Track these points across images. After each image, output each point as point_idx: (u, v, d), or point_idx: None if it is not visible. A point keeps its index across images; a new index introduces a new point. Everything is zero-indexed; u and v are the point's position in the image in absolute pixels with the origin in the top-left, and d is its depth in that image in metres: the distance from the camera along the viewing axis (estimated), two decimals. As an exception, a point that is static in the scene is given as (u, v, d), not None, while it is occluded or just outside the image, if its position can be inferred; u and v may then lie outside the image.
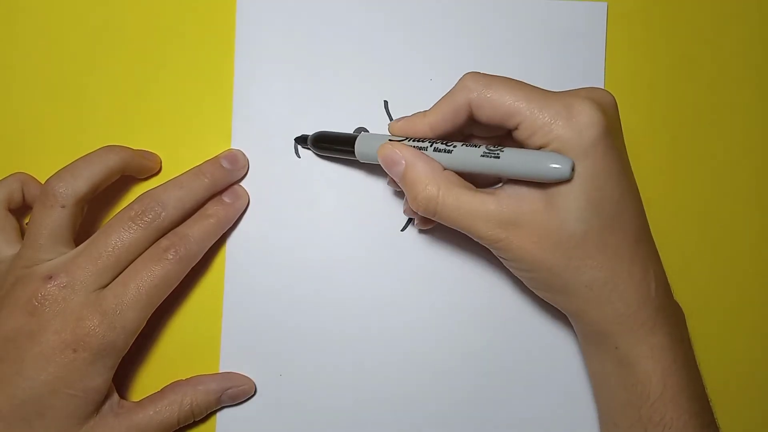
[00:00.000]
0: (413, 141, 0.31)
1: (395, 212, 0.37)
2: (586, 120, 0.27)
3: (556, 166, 0.27)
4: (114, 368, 0.32)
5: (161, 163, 0.37)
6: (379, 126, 0.37)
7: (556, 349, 0.36)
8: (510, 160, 0.28)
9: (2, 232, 0.33)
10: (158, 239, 0.33)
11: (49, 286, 0.30)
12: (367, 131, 0.37)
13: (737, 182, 0.38)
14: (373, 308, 0.36)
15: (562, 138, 0.27)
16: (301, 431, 0.35)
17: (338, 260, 0.36)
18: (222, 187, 0.36)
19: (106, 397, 0.32)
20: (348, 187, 0.37)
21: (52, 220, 0.32)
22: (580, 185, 0.27)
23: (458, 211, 0.29)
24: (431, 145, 0.30)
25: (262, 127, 0.37)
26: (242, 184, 0.36)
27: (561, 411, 0.36)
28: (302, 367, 0.36)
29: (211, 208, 0.35)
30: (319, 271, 0.36)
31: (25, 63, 0.37)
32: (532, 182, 0.28)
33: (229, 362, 0.36)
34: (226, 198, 0.35)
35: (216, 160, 0.36)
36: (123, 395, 0.35)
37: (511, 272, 0.32)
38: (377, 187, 0.37)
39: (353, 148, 0.33)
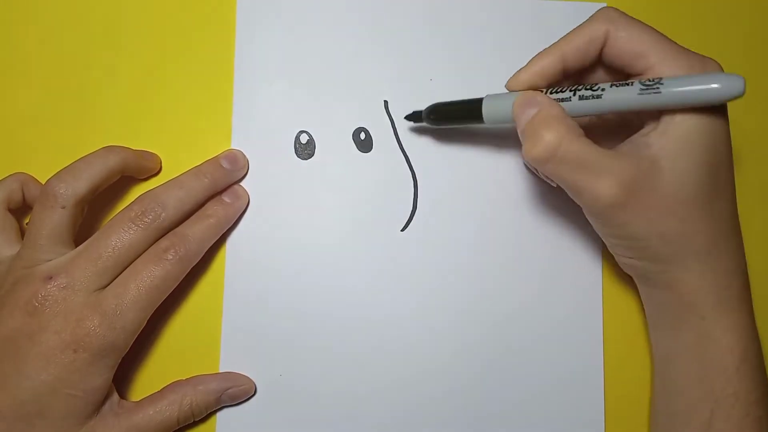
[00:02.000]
0: (553, 92, 0.29)
1: (395, 212, 0.37)
2: None
3: (729, 83, 0.25)
4: (114, 368, 0.32)
5: (161, 163, 0.37)
6: (379, 126, 0.37)
7: (554, 347, 0.36)
8: (675, 90, 0.26)
9: (2, 233, 0.33)
10: (158, 239, 0.33)
11: (49, 286, 0.30)
12: (367, 131, 0.37)
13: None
14: (373, 308, 0.36)
15: None
16: (301, 431, 0.35)
17: (338, 260, 0.36)
18: (222, 187, 0.36)
19: (106, 397, 0.32)
20: (348, 187, 0.37)
21: (52, 220, 0.32)
22: (702, 145, 0.27)
23: (581, 160, 0.28)
24: (574, 94, 0.29)
25: (262, 127, 0.37)
26: (242, 184, 0.36)
27: (558, 405, 0.36)
28: (302, 367, 0.36)
29: (211, 208, 0.35)
30: (319, 271, 0.36)
31: (25, 63, 0.37)
32: (651, 141, 0.27)
33: (229, 362, 0.36)
34: (226, 198, 0.35)
35: (216, 160, 0.36)
36: (123, 395, 0.35)
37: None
38: (377, 187, 0.37)
39: (479, 112, 0.32)
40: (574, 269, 0.37)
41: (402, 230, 0.37)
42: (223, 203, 0.35)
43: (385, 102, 0.37)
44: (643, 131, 0.29)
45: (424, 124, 0.36)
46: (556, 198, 0.37)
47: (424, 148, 0.37)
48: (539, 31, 0.37)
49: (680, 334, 0.31)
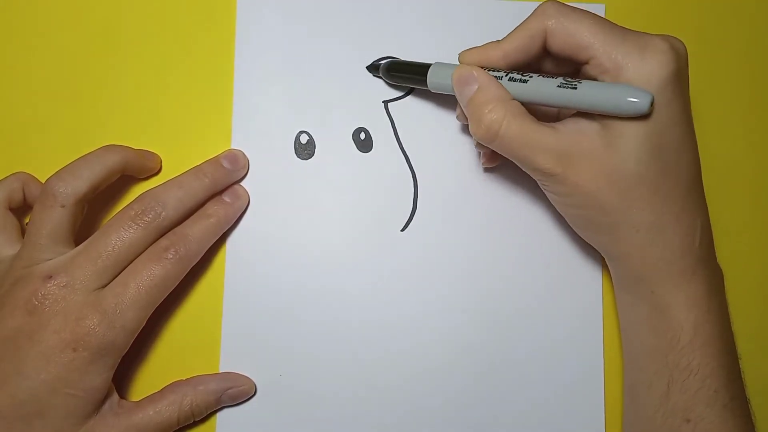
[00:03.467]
0: (488, 71, 0.31)
1: (395, 212, 0.37)
2: (657, 62, 0.27)
3: (634, 100, 0.27)
4: (114, 368, 0.32)
5: (161, 163, 0.37)
6: (379, 126, 0.37)
7: (554, 348, 0.36)
8: (587, 92, 0.28)
9: (3, 232, 0.33)
10: (158, 239, 0.33)
11: (49, 285, 0.30)
12: (367, 131, 0.37)
13: (736, 182, 0.38)
14: (373, 308, 0.36)
15: (632, 79, 0.27)
16: (301, 431, 0.35)
17: (338, 260, 0.36)
18: (222, 186, 0.36)
19: (106, 396, 0.32)
20: (348, 187, 0.37)
21: (52, 219, 0.32)
22: (644, 128, 0.28)
23: (520, 140, 0.29)
24: (506, 75, 0.30)
25: (262, 127, 0.37)
26: (242, 184, 0.36)
27: (558, 407, 0.36)
28: (302, 367, 0.36)
29: (211, 207, 0.35)
30: (319, 271, 0.36)
31: (26, 63, 0.37)
32: (593, 118, 0.29)
33: (229, 362, 0.36)
34: (226, 198, 0.35)
35: (216, 160, 0.36)
36: (123, 395, 0.35)
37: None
38: (377, 187, 0.37)
39: (425, 77, 0.34)
40: (574, 270, 0.37)
41: (402, 230, 0.37)
42: (223, 203, 0.35)
43: (385, 102, 0.37)
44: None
45: (380, 77, 0.37)
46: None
47: (424, 148, 0.37)
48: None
49: (635, 307, 0.32)
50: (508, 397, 0.36)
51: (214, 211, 0.35)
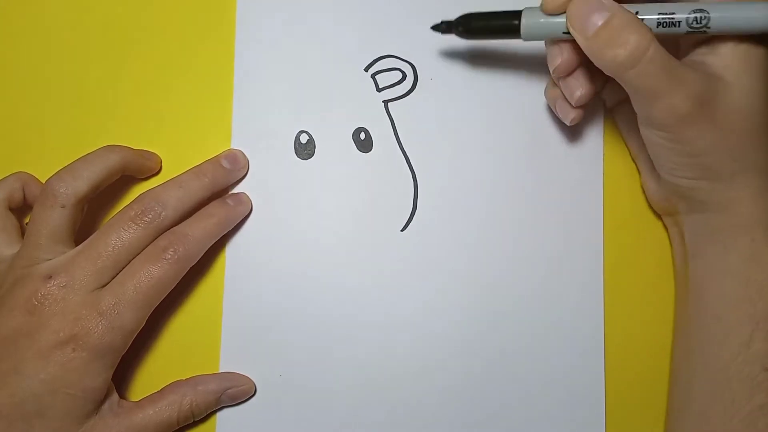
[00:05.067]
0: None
1: (395, 212, 0.37)
2: None
3: None
4: (113, 368, 0.32)
5: (161, 163, 0.37)
6: (379, 126, 0.37)
7: (554, 346, 0.36)
8: (723, 11, 0.27)
9: (3, 232, 0.33)
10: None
11: (48, 285, 0.31)
12: (367, 131, 0.37)
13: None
14: (373, 308, 0.36)
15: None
16: (301, 431, 0.35)
17: (338, 259, 0.36)
18: (222, 186, 0.36)
19: (106, 396, 0.32)
20: (348, 187, 0.37)
21: (52, 220, 0.32)
22: (762, 63, 0.28)
23: (665, 68, 0.27)
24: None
25: (262, 127, 0.37)
26: (242, 183, 0.36)
27: (558, 406, 0.36)
28: (302, 367, 0.36)
29: (213, 208, 0.35)
30: (319, 271, 0.36)
31: (25, 63, 0.38)
32: (720, 55, 0.28)
33: (229, 362, 0.36)
34: (229, 200, 0.35)
35: (216, 160, 0.36)
36: (123, 395, 0.35)
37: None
38: (377, 187, 0.37)
39: (517, 26, 0.30)
40: (575, 269, 0.37)
41: (402, 230, 0.37)
42: (225, 205, 0.35)
43: (385, 102, 0.37)
44: (698, 51, 0.29)
45: (453, 35, 0.33)
46: (557, 198, 0.37)
47: (424, 148, 0.37)
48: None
49: (724, 257, 0.31)
50: (509, 395, 0.36)
51: (216, 212, 0.35)
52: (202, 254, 0.34)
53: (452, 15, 0.32)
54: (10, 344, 0.30)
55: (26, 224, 0.33)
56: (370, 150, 0.37)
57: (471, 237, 0.37)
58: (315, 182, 0.37)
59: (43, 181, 0.33)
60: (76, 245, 0.32)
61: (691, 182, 0.31)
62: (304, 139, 0.37)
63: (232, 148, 0.37)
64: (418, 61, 0.37)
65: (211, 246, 0.35)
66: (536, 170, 0.37)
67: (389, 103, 0.37)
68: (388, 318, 0.36)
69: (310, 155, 0.37)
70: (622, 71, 0.27)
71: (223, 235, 0.36)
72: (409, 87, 0.37)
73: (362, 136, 0.37)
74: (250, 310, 0.36)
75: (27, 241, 0.32)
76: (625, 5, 0.28)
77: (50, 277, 0.31)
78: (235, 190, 0.37)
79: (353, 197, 0.37)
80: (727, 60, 0.28)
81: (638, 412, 0.36)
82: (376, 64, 0.37)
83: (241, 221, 0.36)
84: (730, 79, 0.28)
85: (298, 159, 0.37)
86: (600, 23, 0.27)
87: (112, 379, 0.32)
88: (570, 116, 0.33)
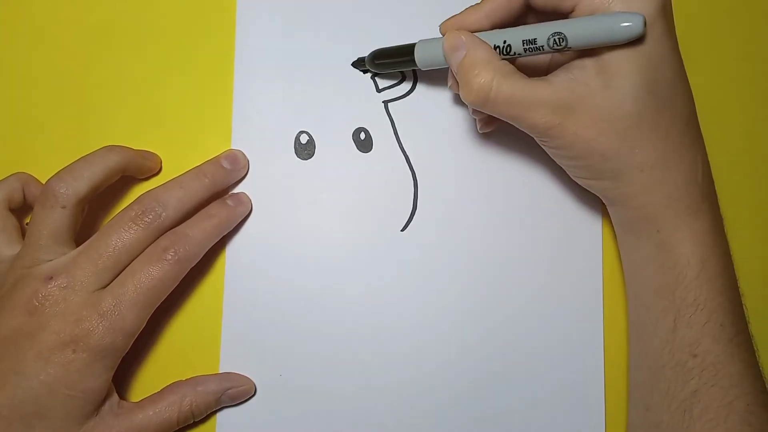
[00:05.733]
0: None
1: (395, 212, 0.37)
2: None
3: (627, 24, 0.27)
4: (113, 369, 0.32)
5: (161, 163, 0.37)
6: (379, 126, 0.37)
7: (554, 347, 0.36)
8: (579, 25, 0.28)
9: (3, 232, 0.33)
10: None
11: (49, 286, 0.30)
12: (367, 131, 0.37)
13: (736, 181, 0.38)
14: (373, 308, 0.36)
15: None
16: (301, 431, 0.35)
17: (338, 260, 0.36)
18: (222, 187, 0.36)
19: (106, 397, 0.32)
20: (348, 187, 0.37)
21: (52, 220, 0.32)
22: (638, 64, 0.28)
23: (512, 100, 0.29)
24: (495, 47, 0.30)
25: (262, 127, 0.37)
26: (242, 183, 0.36)
27: (558, 407, 0.36)
28: (302, 368, 0.36)
29: (214, 208, 0.35)
30: (319, 271, 0.36)
31: (26, 63, 0.37)
32: (584, 65, 0.29)
33: (229, 362, 0.36)
34: (229, 201, 0.35)
35: (216, 160, 0.36)
36: (123, 395, 0.35)
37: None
38: (377, 187, 0.37)
39: (413, 56, 0.33)
40: (574, 270, 0.37)
41: (402, 230, 0.37)
42: (225, 205, 0.35)
43: (385, 102, 0.37)
44: (573, 62, 0.30)
45: (369, 70, 0.37)
46: (557, 197, 0.37)
47: (424, 148, 0.37)
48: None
49: (640, 247, 0.31)
50: (509, 396, 0.36)
51: (216, 212, 0.34)
52: (202, 255, 0.34)
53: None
54: (10, 345, 0.30)
55: (26, 225, 0.33)
56: (370, 150, 0.37)
57: (471, 237, 0.37)
58: (315, 182, 0.37)
59: (44, 182, 0.33)
60: (77, 246, 0.32)
61: (586, 182, 0.32)
62: (304, 139, 0.37)
63: (232, 148, 0.37)
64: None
65: (211, 246, 0.35)
66: (536, 170, 0.37)
67: (389, 104, 0.37)
68: (387, 318, 0.36)
69: (310, 155, 0.37)
70: (479, 108, 0.31)
71: (223, 236, 0.36)
72: (409, 87, 0.37)
73: (362, 136, 0.37)
74: (250, 310, 0.36)
75: (27, 241, 0.32)
76: (494, 32, 0.30)
77: (51, 277, 0.31)
78: (235, 191, 0.37)
79: (353, 197, 0.37)
80: (601, 64, 0.29)
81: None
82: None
83: (241, 221, 0.36)
84: (600, 84, 0.29)
85: (298, 159, 0.37)
86: (457, 64, 0.30)
87: (112, 380, 0.32)
88: (478, 126, 0.36)
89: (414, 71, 0.37)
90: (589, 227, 0.37)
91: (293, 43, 0.37)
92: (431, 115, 0.37)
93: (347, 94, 0.37)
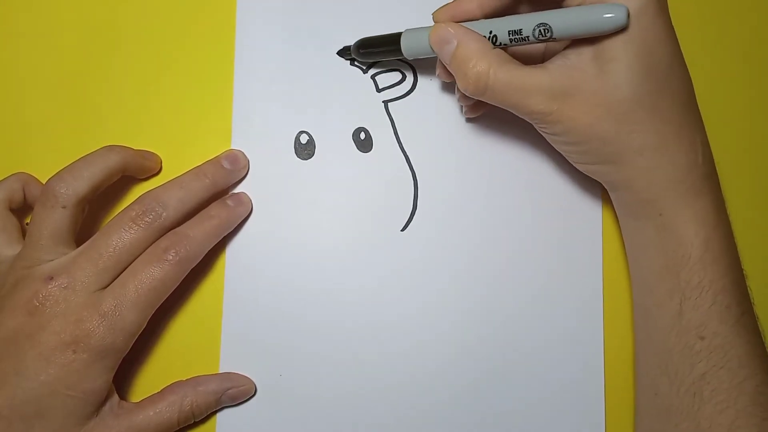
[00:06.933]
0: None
1: (395, 212, 0.37)
2: None
3: (609, 15, 0.27)
4: (114, 369, 0.32)
5: (161, 163, 0.37)
6: (379, 126, 0.37)
7: (554, 347, 0.36)
8: (562, 20, 0.28)
9: (3, 232, 0.33)
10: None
11: (50, 286, 0.30)
12: (367, 131, 0.37)
13: (737, 180, 0.38)
14: (373, 308, 0.36)
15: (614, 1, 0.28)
16: (301, 431, 0.35)
17: (338, 260, 0.36)
18: (223, 187, 0.36)
19: (106, 398, 0.32)
20: (348, 187, 0.37)
21: (53, 220, 0.32)
22: (633, 48, 0.28)
23: (510, 87, 0.29)
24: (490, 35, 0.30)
25: (262, 127, 0.37)
26: (243, 184, 0.36)
27: (558, 406, 0.36)
28: (302, 368, 0.36)
29: (214, 209, 0.35)
30: (319, 271, 0.36)
31: (27, 63, 0.37)
32: (580, 51, 0.29)
33: (229, 362, 0.36)
34: (229, 201, 0.35)
35: (216, 160, 0.36)
36: (123, 396, 0.35)
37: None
38: (377, 187, 0.37)
39: (399, 45, 0.33)
40: (574, 269, 0.37)
41: (402, 230, 0.37)
42: (226, 206, 0.35)
43: (385, 102, 0.37)
44: (568, 49, 0.30)
45: (354, 58, 0.37)
46: (556, 198, 0.37)
47: (424, 148, 0.37)
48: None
49: (643, 231, 0.31)
50: (509, 396, 0.36)
51: (217, 213, 0.34)
52: (203, 255, 0.34)
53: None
54: (10, 345, 0.30)
55: (26, 225, 0.33)
56: (370, 150, 0.37)
57: (471, 237, 0.37)
58: (315, 182, 0.37)
59: (44, 182, 0.33)
60: (77, 246, 0.32)
61: (587, 167, 0.32)
62: (304, 139, 0.37)
63: (232, 148, 0.37)
64: (418, 62, 0.37)
65: (212, 246, 0.35)
66: (535, 171, 0.37)
67: (389, 104, 0.37)
68: (387, 318, 0.36)
69: (310, 155, 0.37)
70: (477, 97, 0.31)
71: (224, 236, 0.36)
72: (409, 87, 0.37)
73: (362, 136, 0.37)
74: (250, 310, 0.36)
75: (28, 241, 0.32)
76: (479, 22, 0.30)
77: (51, 278, 0.31)
78: (236, 191, 0.37)
79: (353, 197, 0.37)
80: (587, 56, 0.29)
81: (638, 412, 0.36)
82: (377, 64, 0.37)
83: (241, 221, 0.36)
84: (597, 69, 0.29)
85: (298, 159, 0.37)
86: (451, 53, 0.30)
87: (112, 380, 0.32)
88: (464, 111, 0.36)
89: (414, 70, 0.37)
90: (589, 228, 0.37)
91: (293, 44, 0.37)
92: (431, 114, 0.37)
93: (347, 94, 0.37)
